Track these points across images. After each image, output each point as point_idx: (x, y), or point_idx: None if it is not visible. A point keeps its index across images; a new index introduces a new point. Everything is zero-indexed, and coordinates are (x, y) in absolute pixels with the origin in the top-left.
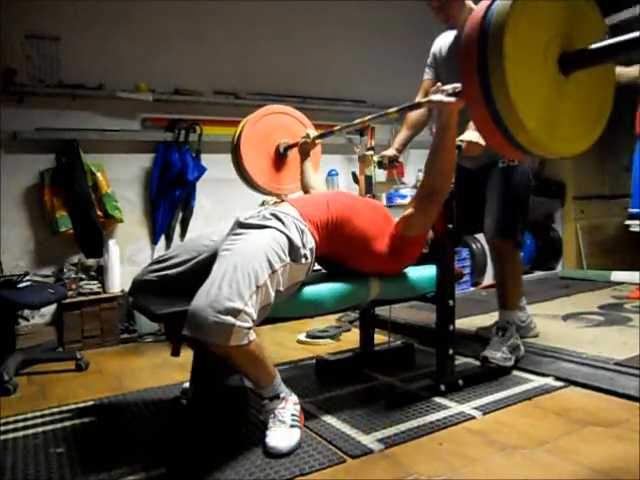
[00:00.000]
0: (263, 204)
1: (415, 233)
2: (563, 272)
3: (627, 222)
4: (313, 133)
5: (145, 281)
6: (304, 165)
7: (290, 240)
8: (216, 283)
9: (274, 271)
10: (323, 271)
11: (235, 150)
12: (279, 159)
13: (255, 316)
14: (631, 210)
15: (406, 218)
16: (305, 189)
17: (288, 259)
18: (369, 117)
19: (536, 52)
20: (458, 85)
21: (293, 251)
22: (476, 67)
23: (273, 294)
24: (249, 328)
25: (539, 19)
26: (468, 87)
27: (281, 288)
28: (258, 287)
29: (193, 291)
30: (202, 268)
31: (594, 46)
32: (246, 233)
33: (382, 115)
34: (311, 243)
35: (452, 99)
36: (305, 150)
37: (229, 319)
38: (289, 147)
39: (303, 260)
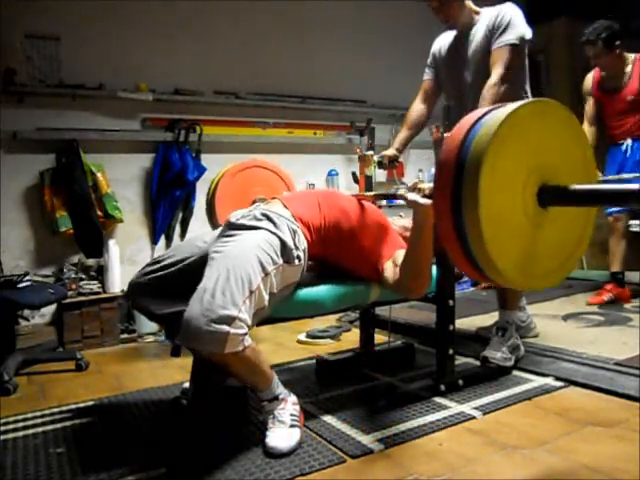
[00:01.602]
0: (254, 202)
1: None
2: None
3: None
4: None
5: (140, 284)
6: None
7: (282, 241)
8: (209, 290)
9: (267, 274)
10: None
11: (210, 203)
12: None
13: (249, 321)
14: (608, 210)
15: (386, 278)
16: None
17: (281, 261)
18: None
19: (514, 186)
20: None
21: (286, 252)
22: (449, 197)
23: (267, 297)
24: (244, 334)
25: (520, 151)
26: (440, 215)
27: (275, 290)
28: (251, 292)
29: (189, 290)
30: (194, 270)
31: (573, 188)
32: (238, 234)
33: (361, 196)
34: (304, 244)
35: (428, 201)
36: None
37: (223, 327)
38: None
39: (296, 261)
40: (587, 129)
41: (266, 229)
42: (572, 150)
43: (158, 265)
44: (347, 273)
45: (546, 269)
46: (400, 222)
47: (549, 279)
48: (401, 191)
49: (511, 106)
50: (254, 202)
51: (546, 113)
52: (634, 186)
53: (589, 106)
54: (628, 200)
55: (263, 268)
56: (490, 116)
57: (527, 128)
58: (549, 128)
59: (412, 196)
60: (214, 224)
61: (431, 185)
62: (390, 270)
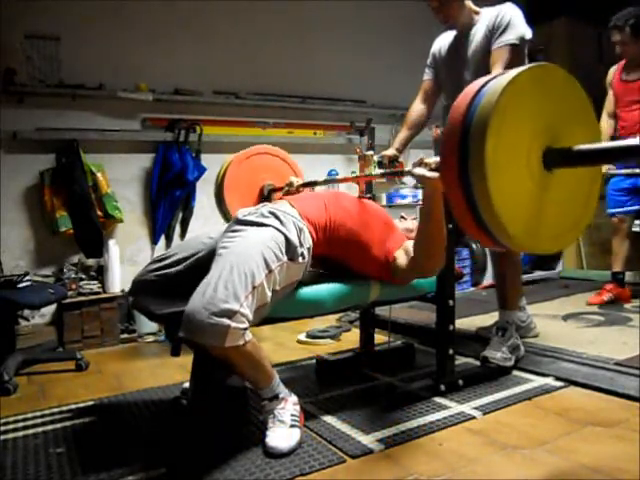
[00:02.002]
0: (261, 192)
1: (400, 281)
2: (563, 272)
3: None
4: (297, 181)
5: (145, 281)
6: None
7: (287, 238)
8: (212, 284)
9: (271, 271)
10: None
11: (218, 189)
12: (263, 201)
13: (251, 317)
14: (610, 211)
15: (397, 267)
16: None
17: (285, 258)
18: (355, 176)
19: (520, 150)
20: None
21: (290, 250)
22: (456, 161)
23: (269, 294)
24: (245, 329)
25: (523, 115)
26: (447, 180)
27: (277, 287)
28: (254, 287)
29: (192, 290)
30: (201, 266)
31: (578, 148)
32: (244, 230)
33: (367, 177)
34: (309, 242)
35: (435, 174)
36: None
37: (224, 321)
38: (274, 190)
39: (300, 259)
40: (605, 121)
41: (272, 226)
42: (574, 112)
43: (164, 262)
44: (351, 272)
45: (555, 232)
46: (403, 225)
47: (559, 242)
48: (407, 168)
49: (512, 72)
50: (262, 189)
51: (546, 77)
52: (635, 141)
53: (609, 98)
54: (631, 155)
55: (267, 265)
56: (492, 83)
57: (529, 92)
58: (550, 91)
59: (419, 170)
60: (223, 211)
61: (437, 159)
62: (402, 257)
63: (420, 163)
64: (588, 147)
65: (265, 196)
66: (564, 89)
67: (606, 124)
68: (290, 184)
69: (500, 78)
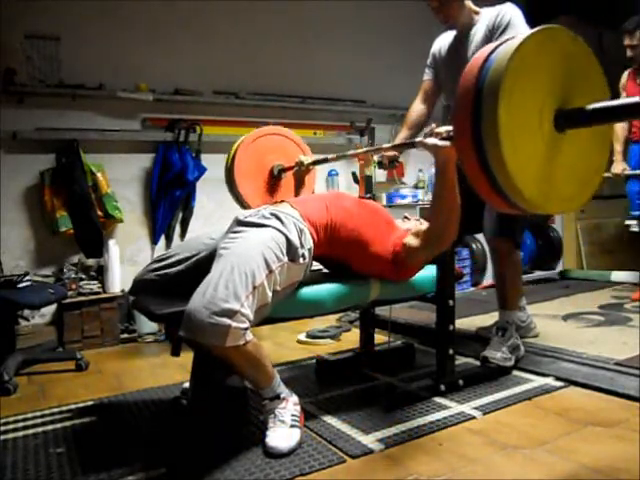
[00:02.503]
0: (271, 173)
1: (415, 264)
2: (563, 272)
3: (627, 222)
4: (307, 159)
5: (146, 280)
6: (298, 193)
7: (288, 239)
8: (212, 284)
9: (271, 271)
10: (323, 271)
11: (229, 172)
12: (273, 182)
13: (252, 317)
14: (633, 213)
15: (410, 248)
16: None
17: (286, 259)
18: (363, 150)
19: (532, 110)
20: (452, 128)
21: (291, 251)
22: (469, 123)
23: (270, 294)
24: (245, 329)
25: (537, 75)
26: (460, 142)
27: (278, 288)
28: (255, 287)
29: (193, 290)
30: (202, 266)
31: (590, 107)
32: (245, 231)
33: (376, 149)
34: (309, 243)
35: (446, 143)
36: (299, 176)
37: (225, 320)
38: (283, 170)
39: (301, 260)
40: (619, 125)
41: (273, 227)
42: (583, 74)
43: (164, 262)
44: (351, 272)
45: (567, 194)
46: (406, 225)
47: (571, 203)
48: (418, 139)
49: (523, 35)
50: (272, 170)
51: (556, 39)
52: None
53: None
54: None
55: (267, 265)
56: (503, 47)
57: (540, 54)
58: (560, 53)
59: (431, 140)
60: (235, 195)
61: (448, 128)
62: (413, 240)
63: (431, 133)
64: (598, 105)
65: (275, 176)
66: (573, 51)
67: (620, 127)
68: (300, 163)
69: (510, 41)
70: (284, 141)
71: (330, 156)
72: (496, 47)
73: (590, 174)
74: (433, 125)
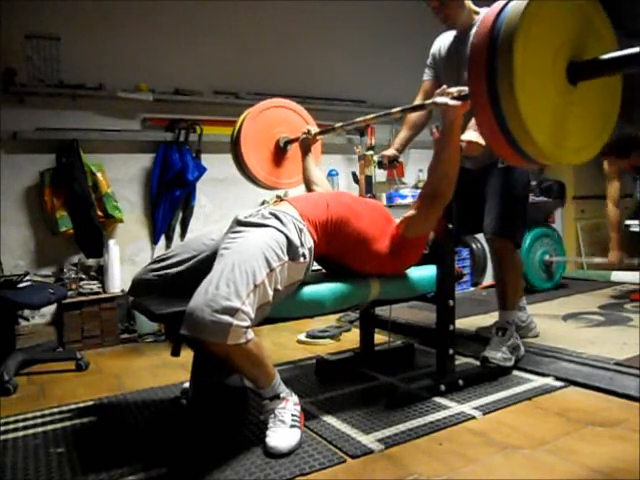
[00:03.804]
0: (263, 203)
1: (416, 234)
2: (563, 272)
3: (627, 222)
4: (314, 129)
5: (145, 280)
6: (306, 161)
7: (288, 239)
8: (214, 282)
9: (272, 270)
10: (323, 271)
11: (235, 144)
12: (279, 153)
13: (253, 315)
14: None
15: (407, 219)
16: (308, 185)
17: (286, 258)
18: (371, 116)
19: (545, 61)
20: (464, 88)
21: (291, 250)
22: (485, 74)
23: (271, 293)
24: (247, 327)
25: (549, 27)
26: (476, 94)
27: (279, 287)
28: (256, 286)
29: (193, 290)
30: (202, 267)
31: (603, 57)
32: (245, 231)
33: (385, 115)
34: (310, 242)
35: (457, 102)
36: (306, 146)
37: (226, 318)
38: (289, 142)
39: (301, 259)
40: (612, 211)
41: (273, 227)
42: (593, 26)
43: (164, 263)
44: (351, 271)
45: (579, 144)
46: None
47: (582, 154)
48: (429, 101)
49: None
50: (278, 142)
51: None
52: None
53: None
54: None
55: (268, 264)
56: None
57: (553, 5)
58: (572, 6)
59: (442, 99)
60: (241, 166)
61: (460, 87)
62: (410, 212)
63: (442, 92)
64: (609, 56)
65: (282, 148)
66: (584, 5)
67: (613, 213)
68: (308, 132)
69: None
70: (290, 114)
71: (337, 125)
72: (508, 2)
73: (600, 126)
74: (444, 86)
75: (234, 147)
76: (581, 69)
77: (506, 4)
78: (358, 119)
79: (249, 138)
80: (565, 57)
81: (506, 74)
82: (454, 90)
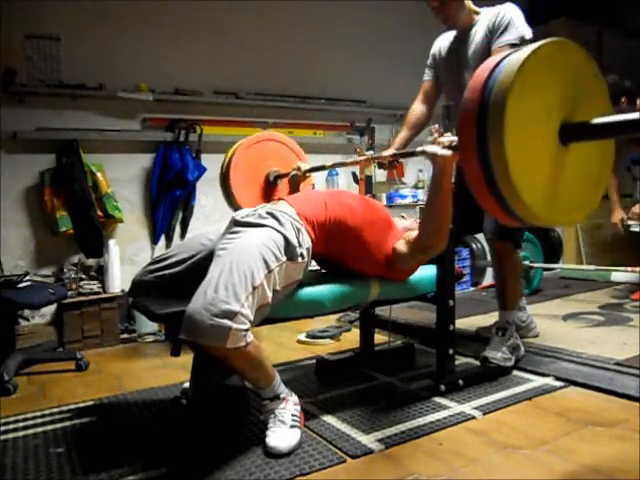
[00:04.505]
0: (267, 179)
1: (404, 269)
2: (563, 272)
3: (627, 222)
4: (304, 166)
5: (144, 282)
6: None
7: (286, 239)
8: (212, 285)
9: (270, 271)
10: (322, 271)
11: (224, 176)
12: (268, 187)
13: (252, 317)
14: None
15: (399, 253)
16: None
17: (284, 258)
18: (362, 158)
19: (537, 121)
20: (455, 139)
21: (289, 250)
22: (475, 132)
23: (270, 294)
24: (246, 330)
25: (543, 87)
26: (465, 149)
27: (278, 287)
28: (254, 288)
29: (192, 290)
30: (200, 267)
31: (595, 122)
32: (242, 231)
33: (376, 157)
34: (307, 242)
35: (448, 152)
36: (295, 182)
37: (225, 322)
38: (279, 177)
39: (300, 259)
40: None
41: (271, 227)
42: (589, 88)
43: (163, 263)
44: (349, 271)
45: (569, 206)
46: (403, 224)
47: (572, 216)
48: (420, 148)
49: (531, 46)
50: (268, 176)
51: (564, 52)
52: None
53: None
54: None
55: (266, 265)
56: (512, 57)
57: (548, 66)
58: (567, 67)
59: (432, 148)
60: (230, 200)
61: (451, 138)
62: (402, 245)
63: (434, 142)
64: (603, 120)
65: (271, 182)
66: (578, 64)
67: (610, 177)
68: (298, 168)
69: (517, 54)
70: (281, 147)
71: (328, 164)
72: (502, 59)
73: (591, 189)
74: (434, 129)
75: (223, 178)
76: (572, 132)
77: (500, 61)
78: (349, 160)
79: (239, 170)
80: (558, 117)
81: (497, 132)
82: (445, 140)
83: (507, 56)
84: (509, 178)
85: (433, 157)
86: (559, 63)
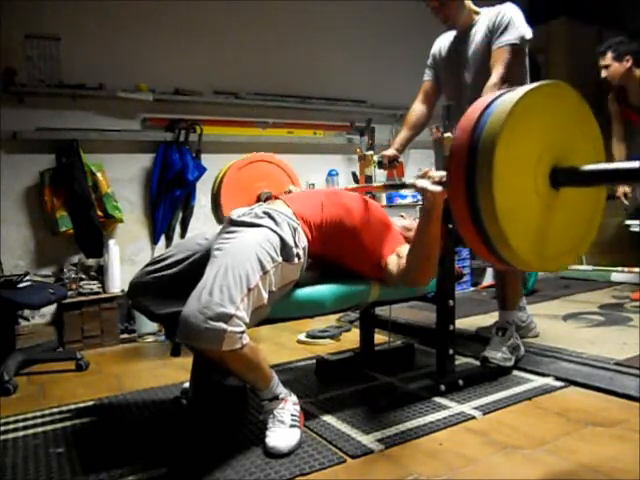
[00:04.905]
0: (258, 200)
1: (391, 285)
2: (563, 272)
3: (627, 222)
4: (295, 189)
5: (143, 283)
6: None
7: (282, 239)
8: (207, 288)
9: (266, 272)
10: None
11: (215, 197)
12: None
13: (247, 319)
14: None
15: (389, 272)
16: None
17: (280, 259)
18: (354, 187)
19: (527, 164)
20: (444, 173)
21: (285, 250)
22: (464, 173)
23: (266, 295)
24: (241, 332)
25: (533, 132)
26: (453, 186)
27: (274, 288)
28: (250, 290)
29: (191, 291)
30: (197, 267)
31: (585, 168)
32: (238, 231)
33: (368, 187)
34: (304, 242)
35: (438, 188)
36: None
37: (220, 325)
38: (270, 199)
39: (296, 260)
40: (617, 146)
41: (267, 227)
42: (582, 132)
43: (160, 264)
44: (347, 272)
45: (558, 251)
46: (401, 222)
47: (561, 261)
48: (410, 180)
49: (525, 88)
50: (259, 197)
51: (557, 95)
52: (637, 164)
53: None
54: (635, 177)
55: (262, 266)
56: (504, 98)
57: (540, 109)
58: (560, 110)
59: (422, 183)
60: (220, 219)
61: (441, 173)
62: (394, 263)
63: (424, 175)
64: (594, 167)
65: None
66: (572, 108)
67: (617, 150)
68: (289, 192)
69: (509, 95)
70: (273, 169)
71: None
72: (494, 99)
73: (583, 231)
74: (426, 169)
75: (214, 198)
76: (563, 177)
77: (492, 101)
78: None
79: (230, 191)
80: (549, 161)
81: (485, 175)
82: (436, 175)
83: (499, 97)
84: (496, 221)
85: (424, 192)
86: (551, 106)
